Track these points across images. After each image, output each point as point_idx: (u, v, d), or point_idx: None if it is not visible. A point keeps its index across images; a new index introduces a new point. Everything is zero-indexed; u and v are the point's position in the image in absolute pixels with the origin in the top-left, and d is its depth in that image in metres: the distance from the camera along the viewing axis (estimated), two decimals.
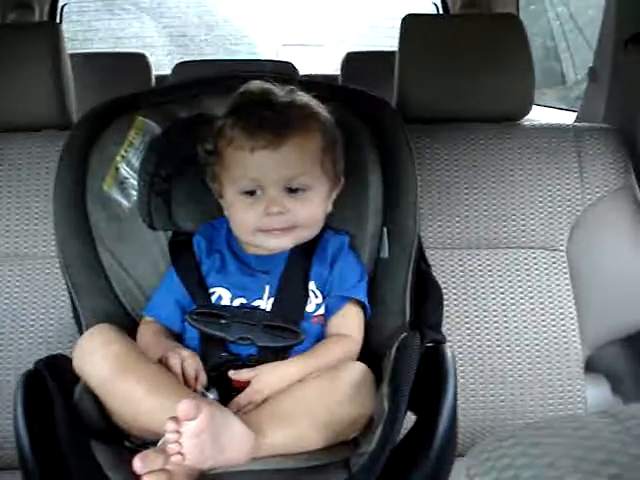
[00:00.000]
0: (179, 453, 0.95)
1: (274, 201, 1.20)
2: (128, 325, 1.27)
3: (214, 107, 1.37)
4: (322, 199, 1.26)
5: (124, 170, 1.33)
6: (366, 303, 1.28)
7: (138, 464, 0.94)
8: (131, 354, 1.15)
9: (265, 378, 1.16)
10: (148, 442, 1.07)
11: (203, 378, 1.15)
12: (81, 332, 1.29)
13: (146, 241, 1.34)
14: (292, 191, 1.21)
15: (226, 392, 1.16)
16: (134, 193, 1.33)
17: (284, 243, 1.25)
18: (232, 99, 1.27)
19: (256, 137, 1.19)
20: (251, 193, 1.22)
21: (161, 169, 1.35)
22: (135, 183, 1.34)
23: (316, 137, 1.23)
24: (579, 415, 0.46)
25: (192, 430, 0.95)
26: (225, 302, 1.25)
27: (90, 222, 1.33)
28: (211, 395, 1.14)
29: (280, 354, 1.21)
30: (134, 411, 1.10)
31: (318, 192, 1.24)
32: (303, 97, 1.26)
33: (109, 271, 1.32)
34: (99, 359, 1.14)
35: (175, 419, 0.96)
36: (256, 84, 1.27)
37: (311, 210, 1.24)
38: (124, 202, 1.33)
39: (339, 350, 1.22)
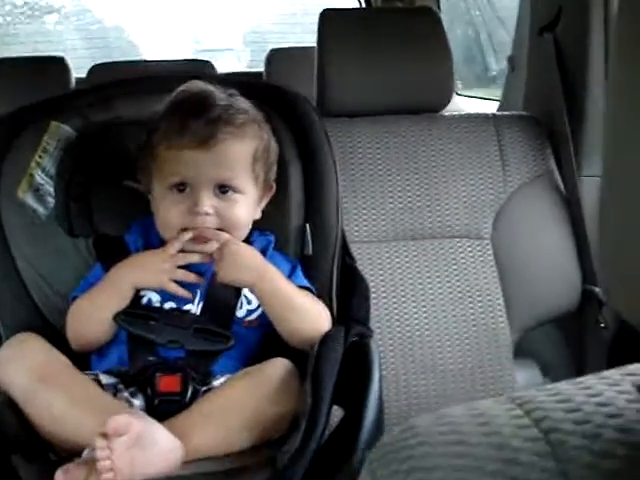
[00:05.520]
0: (110, 469, 0.94)
1: (201, 200, 1.18)
2: (49, 333, 1.24)
3: (130, 110, 1.35)
4: (250, 204, 1.25)
5: (39, 176, 1.30)
6: (309, 286, 1.27)
7: (60, 478, 0.93)
8: (52, 363, 1.13)
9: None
10: (74, 454, 1.05)
11: None
12: (1, 342, 1.25)
13: (64, 248, 1.31)
14: (222, 192, 1.20)
15: (151, 397, 1.14)
16: (50, 200, 1.30)
17: (208, 248, 1.22)
18: (170, 96, 1.25)
19: (190, 135, 1.17)
20: (180, 190, 1.20)
21: (78, 174, 1.32)
22: (51, 189, 1.30)
23: (250, 143, 1.22)
24: (483, 406, 0.46)
25: (123, 446, 0.95)
26: (154, 305, 1.23)
27: (5, 230, 1.29)
28: (137, 401, 1.13)
29: (209, 358, 1.19)
30: (57, 423, 1.08)
31: (247, 197, 1.23)
32: (243, 102, 1.25)
33: (27, 280, 1.29)
34: (19, 369, 1.12)
35: (104, 435, 0.95)
36: (197, 84, 1.26)
37: (239, 213, 1.22)
38: (40, 209, 1.30)
39: (311, 299, 1.25)
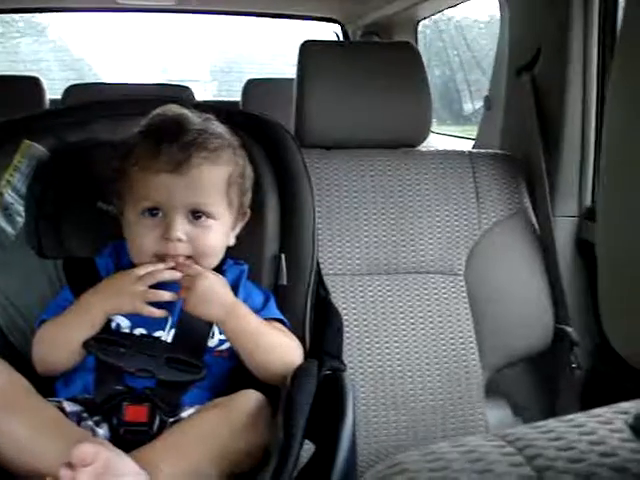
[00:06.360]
0: None
1: (174, 226, 1.16)
2: (13, 358, 1.20)
3: (106, 131, 1.34)
4: (224, 230, 1.22)
5: (9, 195, 1.27)
6: (282, 317, 1.25)
7: None
8: (14, 388, 1.09)
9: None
10: None
11: None
12: None
13: (32, 269, 1.28)
14: (195, 218, 1.18)
15: (117, 426, 1.10)
16: (19, 219, 1.28)
17: (177, 275, 1.19)
18: (144, 120, 1.23)
19: (163, 159, 1.15)
20: (152, 214, 1.18)
21: (49, 193, 1.30)
22: (20, 209, 1.28)
23: (225, 168, 1.21)
24: (473, 442, 0.44)
25: (89, 476, 0.91)
26: (124, 331, 1.20)
27: None
28: (101, 430, 1.09)
29: (180, 389, 1.16)
30: (19, 451, 1.03)
31: (221, 222, 1.21)
32: (218, 127, 1.23)
33: None
34: None
35: (69, 464, 0.91)
36: (172, 108, 1.24)
37: (212, 240, 1.20)
38: (8, 229, 1.27)
39: (281, 334, 1.22)
